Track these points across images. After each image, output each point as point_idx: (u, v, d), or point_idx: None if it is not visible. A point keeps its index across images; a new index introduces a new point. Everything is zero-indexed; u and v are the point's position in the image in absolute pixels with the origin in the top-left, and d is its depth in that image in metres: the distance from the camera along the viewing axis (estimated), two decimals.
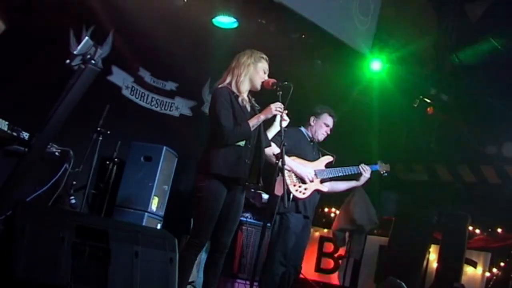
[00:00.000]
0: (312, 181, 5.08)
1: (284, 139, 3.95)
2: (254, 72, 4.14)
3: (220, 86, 4.12)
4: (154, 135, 6.53)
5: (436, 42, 7.70)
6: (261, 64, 4.16)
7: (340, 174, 5.30)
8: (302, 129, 5.33)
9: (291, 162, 5.00)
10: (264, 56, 4.22)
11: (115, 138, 5.74)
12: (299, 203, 5.04)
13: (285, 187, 3.83)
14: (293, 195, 4.98)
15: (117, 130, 5.68)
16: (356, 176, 5.40)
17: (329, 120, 5.30)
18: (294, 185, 5.03)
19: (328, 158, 5.33)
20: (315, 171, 5.16)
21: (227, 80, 4.13)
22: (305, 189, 5.06)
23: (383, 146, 7.80)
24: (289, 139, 4.97)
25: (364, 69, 7.56)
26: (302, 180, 5.05)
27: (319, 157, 5.33)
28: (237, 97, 4.09)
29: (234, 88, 4.11)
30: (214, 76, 7.54)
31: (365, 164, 5.38)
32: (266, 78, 4.16)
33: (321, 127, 5.28)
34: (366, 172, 5.34)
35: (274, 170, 3.97)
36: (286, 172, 4.89)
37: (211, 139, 4.06)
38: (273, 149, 4.35)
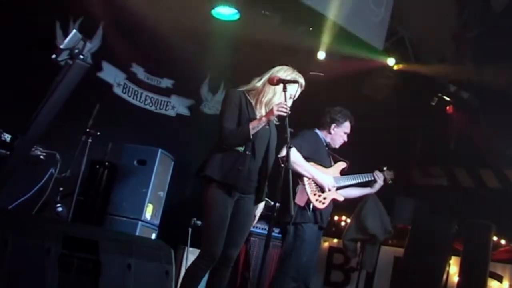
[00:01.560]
0: (330, 190, 5.09)
1: (291, 141, 3.91)
2: (275, 90, 4.11)
3: (234, 88, 4.14)
4: (149, 137, 6.54)
5: (455, 35, 7.68)
6: (287, 85, 4.06)
7: (355, 181, 5.32)
8: (318, 132, 5.31)
9: (312, 169, 5.01)
10: (299, 78, 4.13)
11: (106, 140, 5.74)
12: (317, 213, 5.03)
13: (291, 194, 3.79)
14: (313, 205, 4.97)
15: (108, 132, 5.67)
16: (370, 183, 5.43)
17: (349, 128, 5.33)
18: (314, 194, 5.01)
19: (342, 164, 5.33)
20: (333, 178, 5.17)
21: (251, 87, 4.13)
22: (324, 198, 5.06)
23: (398, 148, 7.79)
24: (308, 144, 4.99)
25: (377, 64, 7.54)
26: (322, 189, 5.05)
27: (332, 164, 5.32)
28: (251, 104, 4.09)
29: (251, 96, 4.11)
30: (214, 72, 7.62)
31: (379, 171, 5.42)
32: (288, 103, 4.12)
33: (341, 136, 5.30)
34: (379, 179, 5.38)
35: (282, 175, 3.94)
36: (306, 180, 4.92)
37: (216, 142, 4.08)
38: (281, 152, 4.36)
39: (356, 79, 7.66)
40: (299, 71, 4.16)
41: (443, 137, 8.28)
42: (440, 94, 7.89)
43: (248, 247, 6.36)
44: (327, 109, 5.35)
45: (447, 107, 8.02)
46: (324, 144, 5.28)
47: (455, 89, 7.90)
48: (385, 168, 5.59)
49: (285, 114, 3.90)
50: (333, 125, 5.25)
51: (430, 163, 8.47)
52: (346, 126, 5.29)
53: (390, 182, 5.62)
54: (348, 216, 7.50)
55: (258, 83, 4.14)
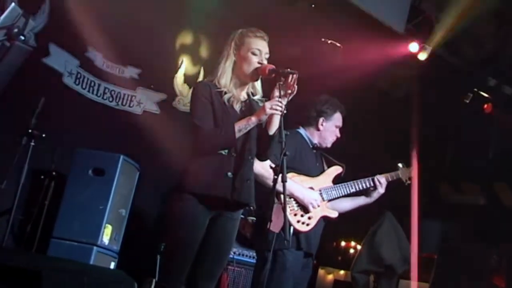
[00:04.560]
0: (315, 208, 5.09)
1: (286, 147, 3.92)
2: (239, 57, 4.14)
3: (202, 80, 4.18)
4: (108, 140, 6.51)
5: (497, 15, 7.70)
6: (248, 44, 4.16)
7: (352, 190, 5.32)
8: (302, 131, 5.31)
9: (290, 183, 4.97)
10: (256, 32, 4.20)
11: (52, 144, 5.71)
12: (300, 237, 5.02)
13: (286, 214, 3.79)
14: (294, 229, 4.97)
15: (56, 133, 5.65)
16: (367, 191, 5.42)
17: (341, 120, 5.32)
18: (295, 215, 5.00)
19: (336, 170, 5.32)
20: (320, 191, 5.15)
21: (215, 73, 4.17)
22: (309, 218, 5.05)
23: (422, 157, 7.80)
24: (287, 149, 4.94)
25: (397, 53, 7.58)
26: (305, 208, 5.05)
27: (324, 169, 5.32)
28: (221, 93, 4.10)
29: (217, 82, 4.13)
30: (191, 59, 7.61)
31: (380, 174, 5.41)
32: (263, 62, 4.15)
33: (333, 131, 5.29)
34: (381, 186, 5.36)
35: (270, 191, 3.94)
36: (283, 198, 4.91)
37: (192, 146, 4.08)
38: (269, 162, 4.34)
39: (370, 70, 7.67)
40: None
41: (479, 144, 8.32)
42: (476, 90, 7.92)
43: (230, 280, 6.38)
44: (310, 100, 5.34)
45: (485, 106, 8.04)
46: (310, 146, 5.27)
47: (496, 82, 7.93)
48: (400, 165, 5.58)
49: (279, 113, 3.92)
50: (320, 119, 5.25)
51: (463, 177, 8.51)
52: (337, 118, 5.29)
53: (407, 183, 5.62)
54: (358, 242, 7.53)
55: (225, 64, 4.16)
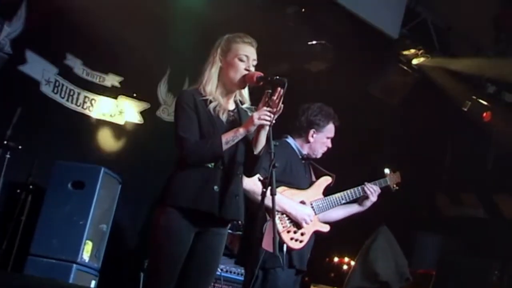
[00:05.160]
0: (308, 223, 5.08)
1: (275, 159, 3.91)
2: (225, 63, 4.14)
3: (186, 88, 4.18)
4: (88, 152, 6.53)
5: (496, 18, 7.73)
6: (235, 49, 4.15)
7: (343, 201, 5.31)
8: (291, 140, 5.29)
9: (283, 199, 4.96)
10: (244, 37, 4.20)
11: (30, 156, 5.69)
12: (293, 255, 5.01)
13: (274, 227, 3.77)
14: (288, 247, 4.96)
15: (33, 144, 5.62)
16: (359, 199, 5.42)
17: (333, 131, 5.31)
18: (288, 232, 4.98)
19: (326, 180, 5.30)
20: (312, 205, 5.15)
21: (200, 80, 4.17)
22: (302, 234, 5.04)
23: (418, 167, 7.81)
24: (277, 160, 4.92)
25: (391, 57, 7.59)
26: (297, 224, 5.04)
27: (312, 179, 5.31)
28: (206, 102, 4.09)
29: (202, 90, 4.12)
30: (176, 66, 7.59)
31: (368, 182, 5.41)
32: (250, 69, 4.14)
33: (324, 142, 5.27)
34: (373, 194, 5.36)
35: (257, 206, 3.93)
36: (275, 214, 4.89)
37: (177, 159, 4.07)
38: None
39: (363, 77, 7.69)
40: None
41: (478, 154, 8.33)
42: (474, 97, 7.93)
43: None
44: (301, 108, 5.32)
45: (484, 114, 8.05)
46: (300, 156, 5.27)
47: (495, 89, 7.95)
48: (387, 170, 5.58)
49: (268, 123, 3.92)
50: (311, 131, 5.22)
51: (462, 188, 8.52)
52: (329, 130, 5.26)
53: (395, 188, 5.62)
54: (351, 258, 7.51)
55: (211, 71, 4.16)
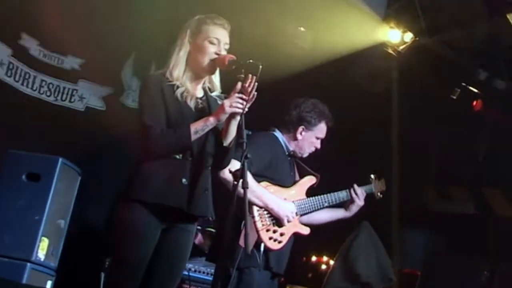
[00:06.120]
0: (290, 221, 5.11)
1: (248, 149, 3.91)
2: (194, 46, 4.15)
3: (152, 73, 4.18)
4: (45, 141, 6.47)
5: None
6: (206, 32, 4.16)
7: (326, 204, 5.34)
8: (278, 134, 5.31)
9: (265, 193, 4.99)
10: (215, 19, 4.20)
11: None
12: (270, 256, 5.04)
13: (247, 223, 3.77)
14: (265, 246, 4.98)
15: None
16: (345, 204, 5.47)
17: (324, 132, 5.34)
18: (268, 231, 5.00)
19: (310, 180, 5.35)
20: (294, 204, 5.18)
21: (167, 64, 4.18)
22: (281, 235, 5.07)
23: (403, 159, 7.86)
24: (260, 155, 4.92)
25: (375, 41, 7.62)
26: (278, 222, 5.06)
27: (296, 179, 5.34)
28: (173, 87, 4.09)
29: (169, 75, 4.13)
30: (142, 49, 7.56)
31: (358, 185, 5.46)
32: (221, 53, 4.15)
33: (312, 142, 5.31)
34: (359, 198, 5.42)
35: (230, 198, 3.92)
36: (256, 210, 4.90)
37: (142, 148, 4.07)
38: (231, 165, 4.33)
39: (343, 63, 7.69)
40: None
41: (468, 145, 8.39)
42: (464, 84, 7.98)
43: None
44: (294, 102, 5.34)
45: (475, 102, 8.11)
46: (286, 152, 5.29)
47: (487, 76, 8.00)
48: (372, 177, 5.64)
49: (240, 111, 3.92)
50: (300, 128, 5.25)
51: (450, 181, 8.59)
52: (321, 130, 5.30)
53: (379, 196, 5.68)
54: (331, 257, 7.55)
55: (179, 54, 4.16)
